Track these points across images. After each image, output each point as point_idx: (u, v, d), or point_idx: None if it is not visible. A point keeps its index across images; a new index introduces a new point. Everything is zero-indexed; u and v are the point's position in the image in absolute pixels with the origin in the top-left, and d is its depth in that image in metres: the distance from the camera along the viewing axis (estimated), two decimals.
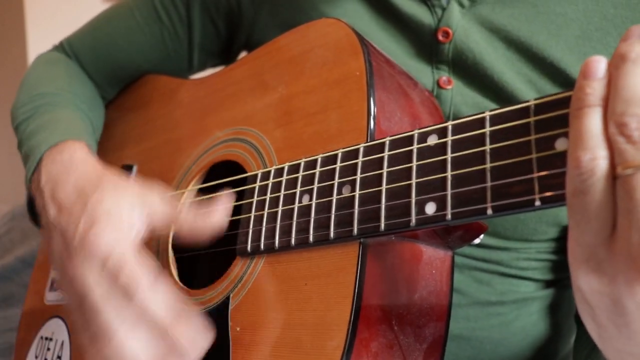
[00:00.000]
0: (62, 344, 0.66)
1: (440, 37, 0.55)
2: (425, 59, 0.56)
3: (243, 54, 0.70)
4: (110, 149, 0.73)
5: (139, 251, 0.44)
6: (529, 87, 0.53)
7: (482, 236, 0.46)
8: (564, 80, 0.52)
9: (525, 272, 0.58)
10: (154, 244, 0.59)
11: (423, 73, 0.56)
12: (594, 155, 0.28)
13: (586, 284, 0.29)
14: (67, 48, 0.74)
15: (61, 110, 0.64)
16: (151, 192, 0.48)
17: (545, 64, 0.52)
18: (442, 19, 0.55)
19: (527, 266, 0.58)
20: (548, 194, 0.31)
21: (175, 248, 0.59)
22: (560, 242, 0.58)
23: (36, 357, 0.70)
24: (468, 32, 0.54)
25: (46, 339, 0.70)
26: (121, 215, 0.45)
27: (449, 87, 0.55)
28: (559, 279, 0.60)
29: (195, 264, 0.66)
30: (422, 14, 0.56)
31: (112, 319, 0.42)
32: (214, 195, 0.52)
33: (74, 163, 0.53)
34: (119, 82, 0.75)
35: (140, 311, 0.42)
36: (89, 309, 0.43)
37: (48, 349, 0.68)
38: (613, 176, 0.27)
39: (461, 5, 0.55)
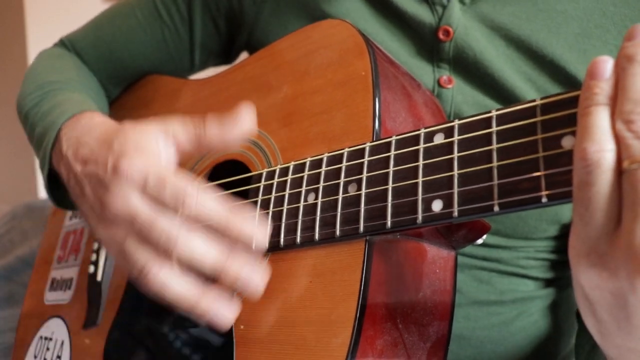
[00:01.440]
0: (62, 343, 0.66)
1: (441, 36, 0.55)
2: (426, 58, 0.57)
3: (244, 54, 0.70)
4: None
5: (174, 170, 0.43)
6: (529, 85, 0.54)
7: (485, 236, 0.47)
8: (564, 78, 0.53)
9: (525, 270, 0.58)
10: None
11: (424, 72, 0.56)
12: (601, 148, 0.28)
13: (586, 279, 0.30)
14: (69, 46, 0.74)
15: (73, 93, 0.64)
16: (171, 120, 0.47)
17: (545, 61, 0.53)
18: (443, 18, 0.55)
19: (527, 265, 0.58)
20: (554, 190, 0.32)
21: None
22: (560, 240, 0.58)
23: (35, 356, 0.70)
24: (469, 30, 0.55)
25: (46, 338, 0.69)
26: (148, 145, 0.44)
27: (450, 86, 0.55)
28: (559, 278, 0.61)
29: None
30: (423, 13, 0.56)
31: (169, 226, 0.41)
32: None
33: (94, 125, 0.52)
34: (121, 80, 0.75)
35: (194, 215, 0.41)
36: (143, 228, 0.42)
37: (47, 349, 0.68)
38: (619, 171, 0.28)
39: (462, 3, 0.55)
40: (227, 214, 0.41)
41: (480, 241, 0.47)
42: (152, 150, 0.44)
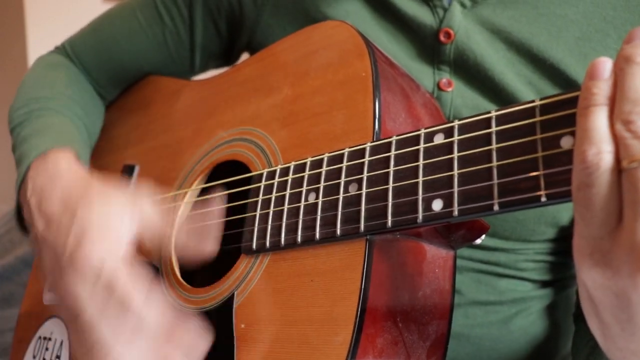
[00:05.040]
0: (62, 343, 0.66)
1: (442, 38, 0.56)
2: (427, 60, 0.57)
3: (245, 56, 0.70)
4: (112, 150, 0.74)
5: (131, 262, 0.44)
6: (529, 89, 0.54)
7: (484, 236, 0.47)
8: (564, 82, 0.53)
9: (524, 273, 0.59)
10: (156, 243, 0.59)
11: (424, 74, 0.57)
12: (600, 150, 0.29)
13: (590, 278, 0.30)
14: (69, 49, 0.74)
15: (54, 117, 0.64)
16: (141, 198, 0.47)
17: (546, 65, 0.54)
18: (444, 20, 0.56)
19: (526, 267, 0.59)
20: (553, 190, 0.32)
21: None
22: (558, 243, 0.59)
23: (34, 357, 0.69)
24: (469, 33, 0.55)
25: (45, 338, 0.69)
26: (110, 227, 0.45)
27: (449, 89, 0.56)
28: (557, 280, 0.61)
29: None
30: (424, 15, 0.57)
31: (108, 334, 0.42)
32: (209, 197, 0.53)
33: (58, 173, 0.52)
34: (122, 82, 0.76)
35: (136, 323, 0.42)
36: (84, 326, 0.42)
37: (47, 349, 0.68)
38: (618, 170, 0.29)
39: (463, 6, 0.56)
40: (167, 327, 0.42)
41: (479, 241, 0.47)
42: (113, 233, 0.45)
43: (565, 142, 0.33)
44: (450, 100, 0.56)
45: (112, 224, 0.45)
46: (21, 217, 0.60)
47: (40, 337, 0.70)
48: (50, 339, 0.69)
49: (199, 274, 0.66)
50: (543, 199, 0.33)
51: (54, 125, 0.62)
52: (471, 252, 0.57)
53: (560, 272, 0.61)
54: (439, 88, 0.56)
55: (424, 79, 0.56)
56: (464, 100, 0.56)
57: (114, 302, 0.42)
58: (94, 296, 0.43)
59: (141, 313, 0.42)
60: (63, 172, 0.52)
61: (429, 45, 0.57)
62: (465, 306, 0.57)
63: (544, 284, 0.61)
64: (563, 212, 0.55)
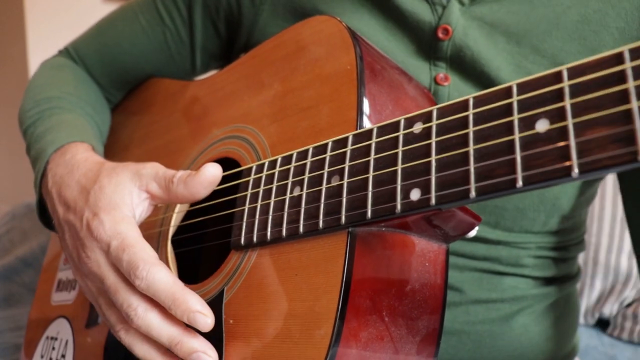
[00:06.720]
0: (67, 343, 0.67)
1: (440, 35, 0.55)
2: (424, 56, 0.57)
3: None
4: (115, 151, 0.75)
5: (139, 235, 0.47)
6: None
7: (476, 229, 0.46)
8: None
9: (525, 269, 0.57)
10: (154, 240, 0.60)
11: (421, 70, 0.56)
12: None
13: None
14: (73, 52, 0.76)
15: (67, 114, 0.65)
16: (145, 171, 0.50)
17: (546, 55, 0.53)
18: (443, 17, 0.55)
19: (527, 263, 0.57)
20: (529, 172, 0.31)
21: (175, 243, 0.59)
22: (560, 236, 0.57)
23: (42, 356, 0.71)
24: (467, 30, 0.55)
25: (51, 338, 0.71)
26: (121, 201, 0.48)
27: (446, 83, 0.55)
28: (560, 276, 0.60)
29: (194, 259, 0.66)
30: (423, 12, 0.56)
31: (130, 297, 0.45)
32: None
33: (76, 163, 0.55)
34: (125, 85, 0.77)
35: (147, 288, 0.44)
36: (109, 290, 0.46)
37: (53, 348, 0.69)
38: None
39: (461, 3, 0.56)
40: (174, 295, 0.44)
41: (472, 234, 0.46)
42: (123, 208, 0.48)
43: (541, 125, 0.32)
44: (447, 94, 0.55)
45: (123, 198, 0.49)
46: (43, 214, 0.63)
47: (47, 337, 0.72)
48: (56, 338, 0.70)
49: (195, 271, 0.66)
50: (519, 183, 0.32)
51: (68, 121, 0.64)
52: (473, 247, 0.56)
53: (562, 269, 0.59)
54: (436, 82, 0.56)
55: (420, 74, 0.56)
56: (460, 94, 0.55)
57: (124, 269, 0.45)
58: (110, 261, 0.46)
59: (148, 279, 0.44)
60: (80, 162, 0.55)
61: (427, 41, 0.57)
62: (466, 304, 0.56)
63: (545, 282, 0.59)
64: (563, 199, 0.53)
